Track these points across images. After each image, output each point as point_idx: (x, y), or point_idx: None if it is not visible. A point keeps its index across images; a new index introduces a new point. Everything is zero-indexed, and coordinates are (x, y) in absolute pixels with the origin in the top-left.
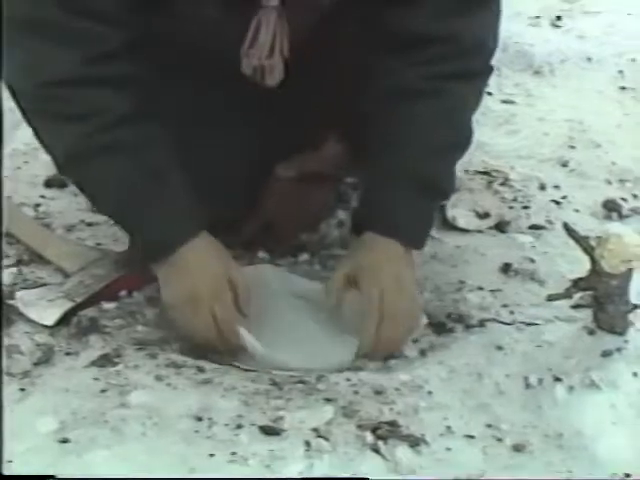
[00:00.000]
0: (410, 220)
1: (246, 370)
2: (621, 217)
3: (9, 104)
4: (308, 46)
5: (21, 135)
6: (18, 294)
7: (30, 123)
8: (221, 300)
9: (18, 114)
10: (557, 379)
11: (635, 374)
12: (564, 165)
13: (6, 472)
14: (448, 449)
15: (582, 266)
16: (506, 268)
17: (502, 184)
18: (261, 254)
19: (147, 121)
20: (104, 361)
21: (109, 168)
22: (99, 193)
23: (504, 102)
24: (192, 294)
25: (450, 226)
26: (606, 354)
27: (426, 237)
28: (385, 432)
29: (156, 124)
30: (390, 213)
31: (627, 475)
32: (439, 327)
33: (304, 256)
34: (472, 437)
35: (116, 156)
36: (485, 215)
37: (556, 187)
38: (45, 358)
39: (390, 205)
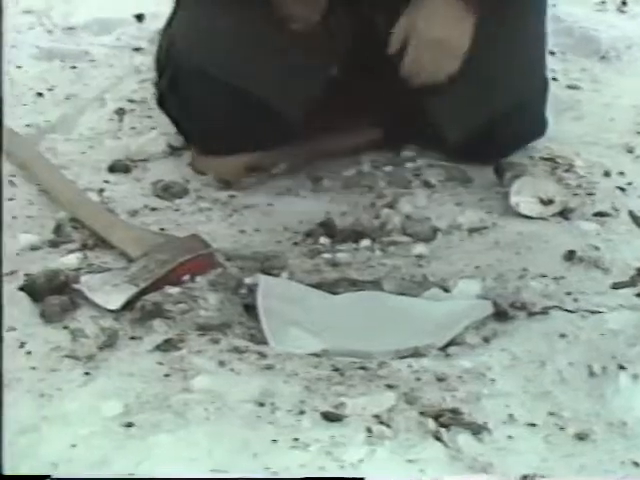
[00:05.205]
0: None
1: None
2: None
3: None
4: None
5: (86, 120)
6: (83, 279)
7: None
8: None
9: (83, 100)
10: (621, 367)
11: None
12: (630, 151)
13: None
14: (510, 437)
15: None
16: (570, 256)
17: (566, 170)
18: (322, 239)
19: None
20: (168, 346)
21: None
22: None
23: (569, 87)
24: None
25: (513, 213)
26: None
27: None
28: (447, 419)
29: None
30: None
31: None
32: (502, 314)
33: (365, 242)
34: (534, 425)
35: None
36: (549, 202)
37: (621, 173)
38: (110, 342)
39: None
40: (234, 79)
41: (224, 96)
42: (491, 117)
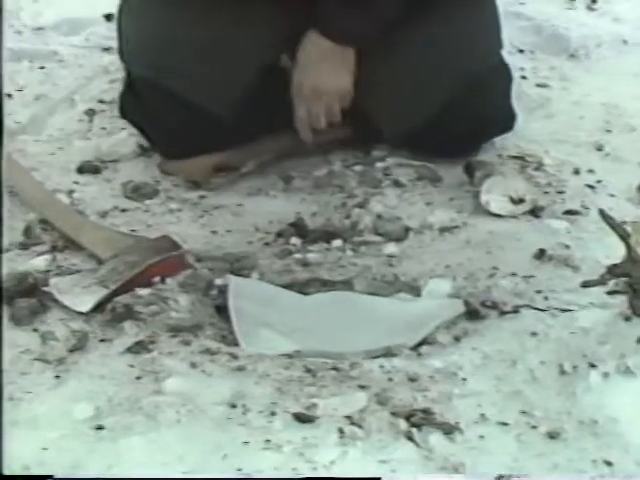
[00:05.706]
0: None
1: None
2: None
3: (44, 89)
4: None
5: (55, 121)
6: (52, 281)
7: None
8: None
9: (53, 101)
10: (592, 366)
11: None
12: (599, 149)
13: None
14: (482, 437)
15: (617, 252)
16: (540, 254)
17: (536, 169)
18: (293, 239)
19: None
20: (138, 348)
21: None
22: None
23: (539, 86)
24: None
25: (484, 211)
26: None
27: (352, 35)
28: (419, 419)
29: None
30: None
31: None
32: (473, 313)
33: (336, 242)
34: (506, 424)
35: None
36: (519, 200)
37: (590, 171)
38: (80, 345)
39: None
40: (172, 85)
41: (169, 102)
42: (440, 104)
